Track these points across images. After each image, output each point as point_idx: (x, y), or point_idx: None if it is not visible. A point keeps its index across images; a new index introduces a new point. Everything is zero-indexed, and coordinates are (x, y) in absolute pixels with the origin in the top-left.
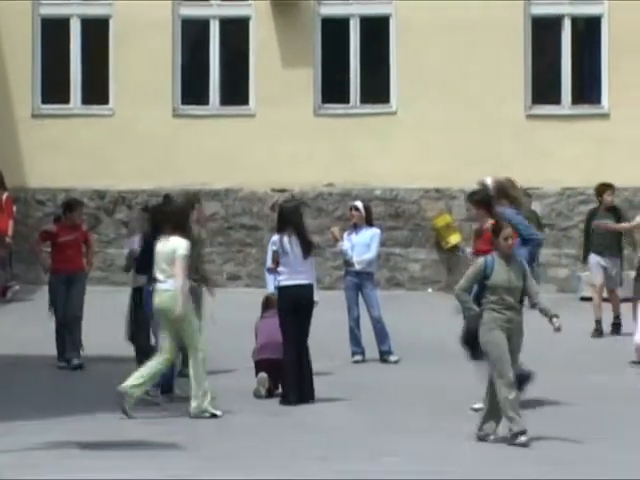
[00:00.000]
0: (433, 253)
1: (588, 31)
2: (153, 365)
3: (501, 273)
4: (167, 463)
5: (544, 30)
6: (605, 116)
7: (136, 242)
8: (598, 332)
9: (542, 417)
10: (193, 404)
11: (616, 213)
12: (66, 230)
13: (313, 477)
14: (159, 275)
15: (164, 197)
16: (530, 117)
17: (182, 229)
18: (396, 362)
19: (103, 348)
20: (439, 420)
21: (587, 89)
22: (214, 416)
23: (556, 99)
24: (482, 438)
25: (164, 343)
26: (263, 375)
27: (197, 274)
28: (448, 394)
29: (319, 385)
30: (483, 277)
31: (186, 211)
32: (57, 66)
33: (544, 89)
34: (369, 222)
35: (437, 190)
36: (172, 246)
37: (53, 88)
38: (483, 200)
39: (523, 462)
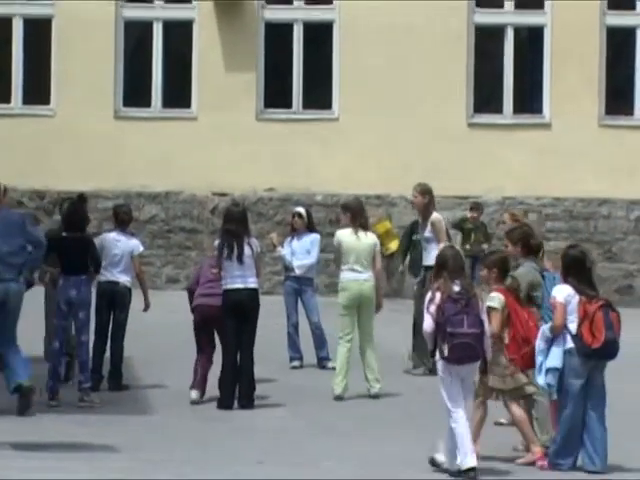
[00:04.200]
0: None
1: (531, 41)
2: (370, 362)
3: None
4: (100, 465)
5: (487, 39)
6: (546, 126)
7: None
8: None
9: None
10: (378, 385)
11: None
12: None
13: None
14: (357, 267)
15: (78, 196)
16: (472, 125)
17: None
18: (334, 368)
19: (35, 347)
20: (376, 425)
21: (529, 98)
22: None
23: (498, 108)
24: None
25: (347, 329)
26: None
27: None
28: (385, 399)
29: (257, 390)
30: None
31: None
32: None
33: (486, 98)
34: (310, 228)
35: (378, 197)
36: (372, 241)
37: None
38: None
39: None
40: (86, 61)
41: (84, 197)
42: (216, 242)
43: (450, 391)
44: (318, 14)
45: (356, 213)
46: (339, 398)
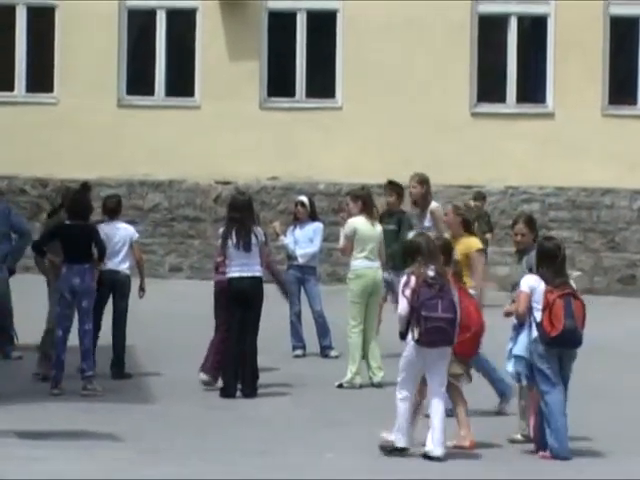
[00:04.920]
0: None
1: (534, 30)
2: (374, 350)
3: None
4: (103, 453)
5: (490, 28)
6: (549, 115)
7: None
8: None
9: None
10: (381, 374)
11: (398, 219)
12: None
13: (248, 470)
14: (371, 255)
15: (82, 184)
16: (475, 115)
17: None
18: (337, 357)
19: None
20: (378, 414)
21: (532, 88)
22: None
23: (501, 97)
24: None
25: (359, 318)
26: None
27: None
28: (387, 388)
29: (259, 378)
30: None
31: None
32: (2, 54)
33: (489, 87)
34: (313, 216)
35: (380, 186)
36: (380, 229)
37: None
38: None
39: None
40: (89, 49)
41: (88, 185)
42: (220, 230)
43: (408, 372)
44: (322, 3)
45: (367, 201)
46: (361, 386)
